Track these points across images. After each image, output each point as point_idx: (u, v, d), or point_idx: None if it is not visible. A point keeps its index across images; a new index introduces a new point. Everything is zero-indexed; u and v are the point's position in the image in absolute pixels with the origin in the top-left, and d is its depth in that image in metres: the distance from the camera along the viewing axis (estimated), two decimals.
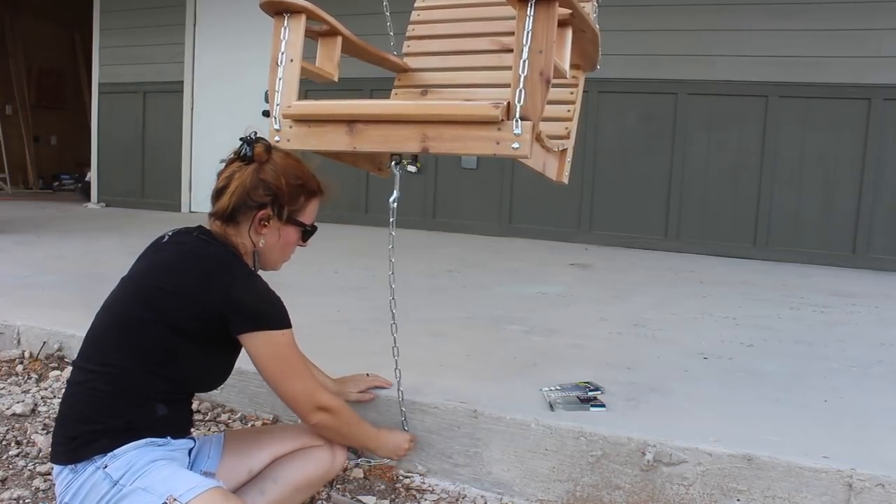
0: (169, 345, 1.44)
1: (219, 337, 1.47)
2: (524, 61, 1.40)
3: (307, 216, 1.63)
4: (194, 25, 7.03)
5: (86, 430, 1.38)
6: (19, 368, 2.57)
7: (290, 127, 1.63)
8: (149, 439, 1.40)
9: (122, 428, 1.38)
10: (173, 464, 1.39)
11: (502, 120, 1.42)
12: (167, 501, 1.28)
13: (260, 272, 1.60)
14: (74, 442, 1.38)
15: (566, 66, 1.55)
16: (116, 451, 1.36)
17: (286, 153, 1.62)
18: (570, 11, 1.50)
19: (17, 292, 3.18)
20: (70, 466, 1.38)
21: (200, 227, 1.58)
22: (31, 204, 7.82)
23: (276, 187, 1.54)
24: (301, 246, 1.67)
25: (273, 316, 1.49)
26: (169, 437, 1.45)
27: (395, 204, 1.69)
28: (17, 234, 5.13)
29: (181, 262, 1.50)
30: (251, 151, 1.54)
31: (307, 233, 1.65)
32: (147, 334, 1.43)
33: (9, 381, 2.49)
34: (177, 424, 1.49)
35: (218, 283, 1.45)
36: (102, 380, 1.42)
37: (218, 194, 1.56)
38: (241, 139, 1.57)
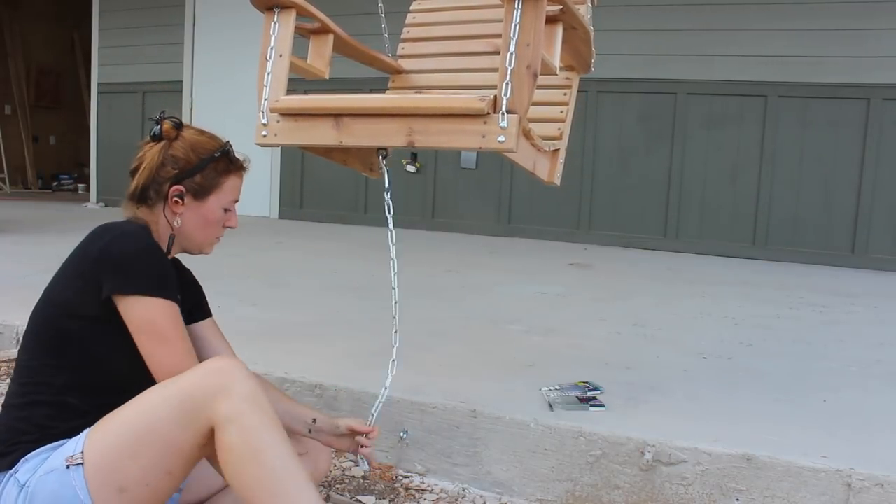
0: (63, 328, 1.39)
1: (108, 311, 1.37)
2: (511, 54, 1.40)
3: (226, 193, 1.52)
4: (193, 25, 7.03)
5: (5, 441, 1.36)
6: None
7: (278, 121, 1.64)
8: (65, 439, 1.35)
9: (37, 437, 1.35)
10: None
11: (488, 113, 1.42)
12: (68, 463, 1.28)
13: (191, 256, 1.55)
14: None
15: (556, 62, 1.54)
16: (28, 456, 1.33)
17: (200, 130, 1.54)
18: (560, 7, 1.50)
19: (17, 292, 3.17)
20: None
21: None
22: (30, 204, 7.82)
23: (184, 162, 1.48)
24: (229, 227, 1.56)
25: (145, 278, 1.36)
26: None
27: (389, 195, 1.60)
28: (17, 234, 5.13)
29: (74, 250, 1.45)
30: (160, 129, 1.50)
31: (227, 210, 1.53)
32: (43, 324, 1.42)
33: (7, 381, 2.49)
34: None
35: (96, 243, 1.40)
36: (15, 385, 1.41)
37: (131, 176, 1.51)
38: (150, 118, 1.54)
